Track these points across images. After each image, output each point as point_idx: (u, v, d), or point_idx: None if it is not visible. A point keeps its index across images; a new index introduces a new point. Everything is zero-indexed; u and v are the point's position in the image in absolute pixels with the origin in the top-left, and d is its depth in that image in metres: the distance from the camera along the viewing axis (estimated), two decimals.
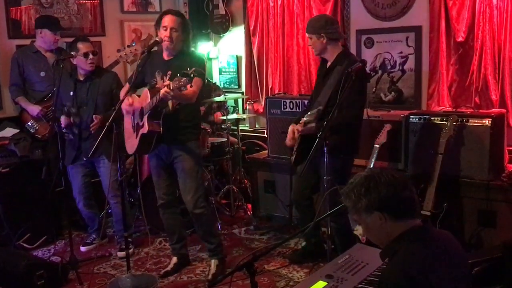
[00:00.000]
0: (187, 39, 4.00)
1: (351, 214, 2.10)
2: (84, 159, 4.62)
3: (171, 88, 3.49)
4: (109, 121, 3.64)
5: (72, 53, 4.48)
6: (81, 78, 4.61)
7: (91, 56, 4.49)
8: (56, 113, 4.52)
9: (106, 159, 4.57)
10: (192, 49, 4.11)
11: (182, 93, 3.65)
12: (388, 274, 1.92)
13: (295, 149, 4.10)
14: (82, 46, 4.47)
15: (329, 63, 4.07)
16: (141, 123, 3.89)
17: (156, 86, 3.88)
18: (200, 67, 3.90)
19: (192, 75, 3.50)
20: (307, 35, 4.07)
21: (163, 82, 3.69)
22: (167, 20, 3.89)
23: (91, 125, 4.47)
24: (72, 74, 4.63)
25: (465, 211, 4.18)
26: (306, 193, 4.29)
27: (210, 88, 6.04)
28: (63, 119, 4.54)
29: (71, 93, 4.58)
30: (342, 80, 3.63)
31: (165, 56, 4.02)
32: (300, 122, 4.00)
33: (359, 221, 2.08)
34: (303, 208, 4.34)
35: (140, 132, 3.88)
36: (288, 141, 4.07)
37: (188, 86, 3.58)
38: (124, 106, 3.99)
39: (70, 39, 4.78)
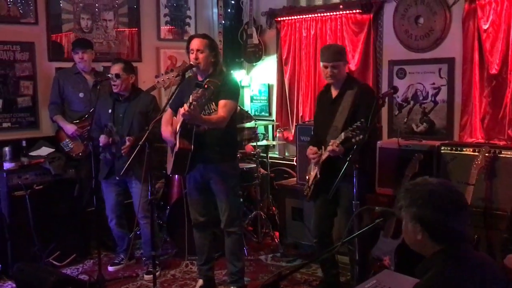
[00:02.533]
0: (216, 60, 4.07)
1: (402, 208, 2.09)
2: (117, 178, 4.69)
3: (188, 105, 3.58)
4: (142, 140, 3.72)
5: (108, 75, 4.63)
6: (120, 99, 4.73)
7: (113, 78, 4.61)
8: (92, 132, 4.64)
9: (138, 180, 4.63)
10: (224, 70, 4.17)
11: (204, 117, 3.76)
12: None
13: (311, 182, 4.13)
14: (111, 68, 4.68)
15: (336, 89, 4.10)
16: (174, 142, 3.97)
17: None
18: (231, 87, 3.99)
19: (206, 86, 3.58)
20: (333, 63, 3.98)
21: None
22: (193, 43, 4.03)
23: (122, 147, 4.55)
24: (112, 93, 4.76)
25: (495, 244, 4.10)
26: (327, 224, 4.25)
27: (242, 116, 6.10)
28: (102, 138, 4.64)
29: (109, 111, 4.71)
30: (357, 102, 3.81)
31: (199, 78, 4.10)
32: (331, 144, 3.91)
33: (403, 219, 2.07)
34: (325, 240, 4.28)
35: (174, 151, 3.95)
36: (314, 159, 4.06)
37: (213, 105, 3.68)
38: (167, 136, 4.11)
39: (108, 64, 4.93)
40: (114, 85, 4.63)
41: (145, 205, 4.59)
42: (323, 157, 3.97)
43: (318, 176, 4.03)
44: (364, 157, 3.75)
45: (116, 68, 4.64)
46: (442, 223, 1.97)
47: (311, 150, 4.09)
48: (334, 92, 4.12)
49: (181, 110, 3.70)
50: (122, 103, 4.72)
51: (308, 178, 4.24)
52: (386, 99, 3.85)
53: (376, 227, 2.25)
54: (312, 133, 4.45)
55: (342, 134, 3.70)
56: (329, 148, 3.80)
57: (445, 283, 1.89)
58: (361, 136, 3.51)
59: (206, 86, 3.63)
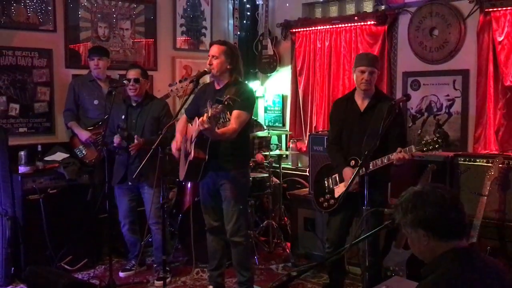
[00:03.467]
0: (234, 68, 4.07)
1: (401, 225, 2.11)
2: (130, 183, 4.73)
3: (206, 119, 3.57)
4: (155, 144, 3.75)
5: (124, 81, 4.69)
6: (133, 104, 4.79)
7: (132, 82, 4.67)
8: (106, 138, 4.69)
9: (149, 186, 4.66)
10: (240, 79, 4.18)
11: (218, 132, 3.78)
12: None
13: (340, 194, 3.99)
14: (128, 72, 4.73)
15: (364, 100, 4.03)
16: (189, 151, 3.99)
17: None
18: (247, 98, 3.98)
19: (226, 102, 3.57)
20: (371, 69, 3.93)
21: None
22: (211, 49, 4.09)
23: (130, 146, 4.58)
24: (126, 100, 4.82)
25: (509, 256, 4.05)
26: (344, 234, 4.18)
27: (251, 124, 6.10)
28: (116, 138, 4.67)
29: (123, 116, 4.76)
30: (392, 117, 3.70)
31: (216, 86, 4.14)
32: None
33: (406, 234, 2.08)
34: (337, 248, 4.17)
35: (188, 159, 3.97)
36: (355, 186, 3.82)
37: (228, 115, 3.70)
38: (174, 150, 4.15)
39: (124, 72, 4.98)
40: (132, 89, 4.68)
41: (157, 211, 4.64)
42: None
43: (358, 188, 3.80)
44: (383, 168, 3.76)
45: (134, 73, 4.71)
46: (439, 215, 1.98)
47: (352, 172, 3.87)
48: (362, 103, 4.03)
49: (198, 121, 3.70)
50: (135, 109, 4.78)
51: (333, 189, 4.13)
52: (400, 106, 3.84)
53: (385, 229, 2.24)
54: (331, 145, 4.23)
55: (412, 146, 3.66)
56: (400, 155, 3.68)
57: (452, 282, 1.88)
58: (440, 150, 3.57)
59: (226, 103, 3.60)
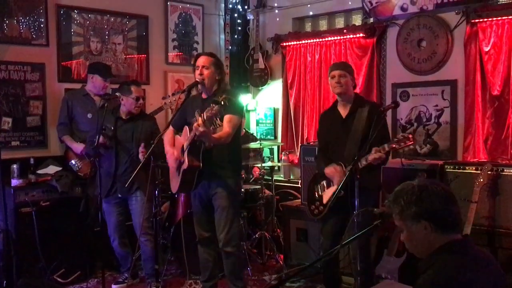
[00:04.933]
0: (221, 78, 4.15)
1: (395, 219, 2.13)
2: (119, 195, 4.76)
3: (201, 122, 3.60)
4: (147, 153, 3.78)
5: (117, 94, 4.73)
6: (123, 117, 4.81)
7: (141, 101, 4.76)
8: (90, 138, 4.74)
9: (139, 197, 4.70)
10: (228, 87, 4.24)
11: (214, 136, 3.81)
12: (418, 285, 1.94)
13: (328, 200, 4.00)
14: (135, 90, 4.74)
15: (345, 108, 4.12)
16: (182, 160, 4.01)
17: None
18: (236, 102, 4.03)
19: (222, 102, 3.58)
20: (340, 72, 4.05)
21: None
22: (199, 60, 4.14)
23: (140, 150, 4.52)
24: (114, 111, 4.83)
25: (500, 262, 4.07)
26: (336, 240, 4.08)
27: (248, 138, 6.15)
28: (101, 138, 4.63)
29: (112, 127, 4.78)
30: (372, 119, 3.77)
31: (204, 95, 4.19)
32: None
33: (403, 227, 2.10)
34: (331, 258, 4.15)
35: (182, 168, 3.99)
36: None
37: (218, 121, 3.74)
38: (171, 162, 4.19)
39: (116, 86, 5.02)
40: (139, 107, 4.78)
41: (146, 223, 4.66)
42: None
43: (342, 192, 3.81)
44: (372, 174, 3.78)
45: (141, 90, 4.82)
46: (444, 208, 2.04)
47: (336, 169, 3.97)
48: (344, 111, 4.13)
49: (194, 125, 3.71)
50: (126, 123, 4.81)
51: (320, 196, 4.15)
52: (389, 114, 3.90)
53: (374, 229, 2.27)
54: (318, 153, 4.37)
55: (386, 145, 3.71)
56: (375, 155, 3.72)
57: (447, 273, 1.93)
58: (411, 147, 3.59)
59: (222, 102, 3.58)
